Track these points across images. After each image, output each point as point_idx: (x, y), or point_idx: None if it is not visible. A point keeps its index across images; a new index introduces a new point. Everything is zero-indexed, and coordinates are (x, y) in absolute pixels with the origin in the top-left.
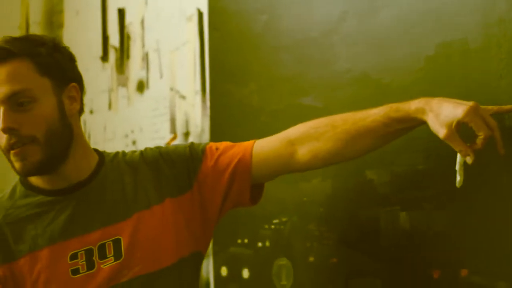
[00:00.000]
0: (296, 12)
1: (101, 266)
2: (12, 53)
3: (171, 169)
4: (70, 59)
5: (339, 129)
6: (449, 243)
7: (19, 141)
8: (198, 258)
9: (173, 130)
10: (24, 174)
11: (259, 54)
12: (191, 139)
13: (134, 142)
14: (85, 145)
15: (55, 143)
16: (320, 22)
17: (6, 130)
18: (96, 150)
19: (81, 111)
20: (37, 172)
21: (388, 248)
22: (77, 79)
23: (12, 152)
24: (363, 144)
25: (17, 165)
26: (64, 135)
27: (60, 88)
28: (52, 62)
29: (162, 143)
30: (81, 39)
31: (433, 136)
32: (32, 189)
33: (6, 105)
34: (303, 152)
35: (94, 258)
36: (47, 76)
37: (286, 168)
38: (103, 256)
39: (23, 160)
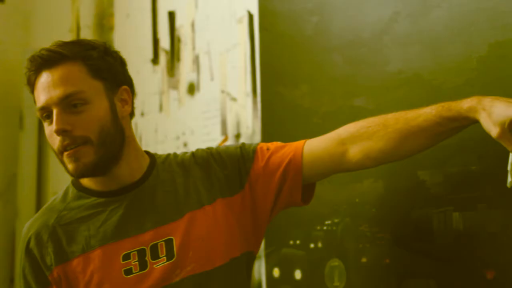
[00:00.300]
0: (347, 13)
1: (154, 266)
2: (65, 56)
3: (222, 170)
4: (121, 62)
5: (390, 128)
6: (503, 243)
7: (72, 143)
8: (249, 258)
9: (224, 132)
10: (77, 176)
11: (310, 56)
12: (242, 141)
13: (185, 144)
14: (137, 147)
15: (107, 144)
16: (371, 23)
17: (59, 131)
18: (147, 152)
19: (132, 114)
20: (90, 173)
21: (442, 248)
22: (128, 82)
23: (65, 153)
24: (415, 143)
25: (70, 166)
26: (116, 137)
27: (112, 91)
28: (104, 65)
29: (213, 145)
30: (132, 42)
31: (486, 136)
32: (85, 191)
33: (60, 107)
34: (355, 151)
35: (146, 258)
36: (99, 79)
37: (337, 167)
38: (155, 256)
39: (77, 161)
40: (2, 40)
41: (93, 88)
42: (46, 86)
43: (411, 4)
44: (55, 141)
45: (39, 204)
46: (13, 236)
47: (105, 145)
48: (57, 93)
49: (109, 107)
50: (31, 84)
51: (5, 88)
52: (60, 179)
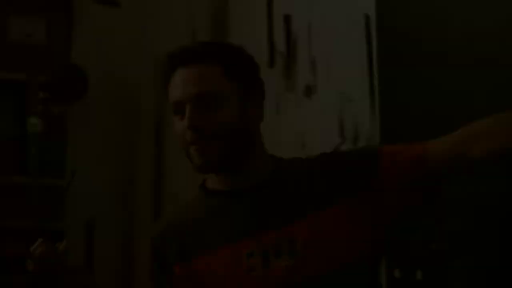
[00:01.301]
0: (467, 14)
1: (276, 265)
2: (203, 56)
3: (345, 172)
4: (255, 66)
5: None
6: None
7: (201, 138)
8: (375, 260)
9: (342, 134)
10: (202, 170)
11: (429, 56)
12: (360, 143)
13: (302, 146)
14: (263, 149)
15: (235, 144)
16: (492, 24)
17: (191, 127)
18: (272, 156)
19: (261, 117)
20: (215, 169)
21: None
22: (260, 86)
23: (193, 147)
24: None
25: (196, 160)
26: (245, 138)
27: (244, 93)
28: (239, 68)
29: (330, 147)
30: (247, 45)
31: None
32: (210, 194)
33: (193, 104)
34: (478, 149)
35: (269, 257)
36: (234, 81)
37: (460, 166)
38: (277, 255)
39: (203, 157)
40: (118, 44)
41: (227, 89)
42: (182, 83)
43: None
44: (185, 136)
45: (156, 207)
46: (131, 239)
47: (233, 144)
48: (193, 90)
49: (240, 109)
50: (166, 79)
51: (123, 92)
52: (177, 183)
